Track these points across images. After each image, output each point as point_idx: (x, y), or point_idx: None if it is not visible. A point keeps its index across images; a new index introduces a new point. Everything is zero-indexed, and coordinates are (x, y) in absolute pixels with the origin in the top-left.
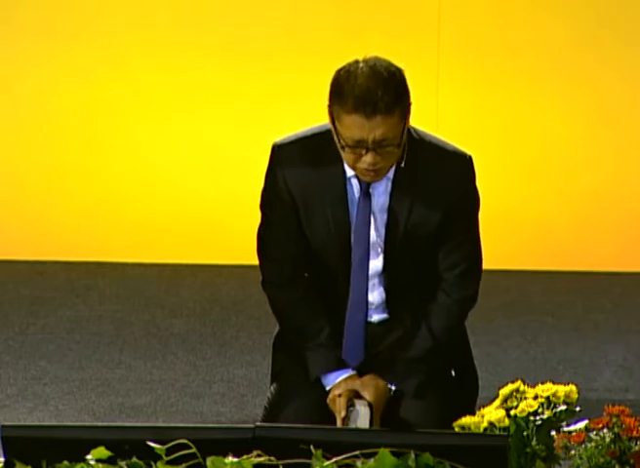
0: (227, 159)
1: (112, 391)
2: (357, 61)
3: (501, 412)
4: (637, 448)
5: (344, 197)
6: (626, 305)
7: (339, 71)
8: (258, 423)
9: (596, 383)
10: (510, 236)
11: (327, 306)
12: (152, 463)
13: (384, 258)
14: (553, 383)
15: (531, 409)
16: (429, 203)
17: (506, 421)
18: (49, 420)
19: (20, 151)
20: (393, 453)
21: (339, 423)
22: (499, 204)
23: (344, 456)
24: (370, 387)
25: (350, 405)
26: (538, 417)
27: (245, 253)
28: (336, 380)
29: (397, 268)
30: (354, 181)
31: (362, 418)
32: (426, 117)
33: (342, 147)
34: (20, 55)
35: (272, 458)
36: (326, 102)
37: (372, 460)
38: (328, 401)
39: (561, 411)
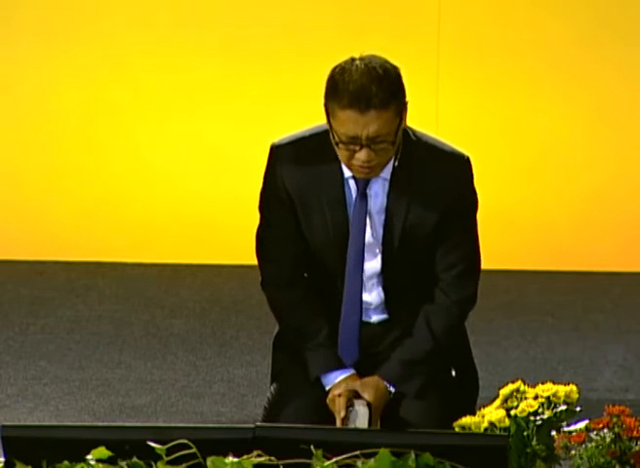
0: (227, 159)
1: (112, 391)
2: (353, 59)
3: (502, 412)
4: (637, 447)
5: (342, 198)
6: (626, 305)
7: (334, 69)
8: (258, 423)
9: (596, 383)
10: (510, 236)
11: (326, 306)
12: (152, 463)
13: (382, 259)
14: (553, 383)
15: (531, 409)
16: (427, 204)
17: (507, 421)
18: (49, 420)
19: (20, 151)
20: (393, 453)
21: (338, 423)
22: (499, 204)
23: (345, 456)
24: (369, 387)
25: (350, 405)
26: (538, 417)
27: (245, 253)
28: (335, 380)
29: (395, 269)
30: (351, 182)
31: (361, 418)
32: (426, 117)
33: (337, 144)
34: (20, 55)
35: (272, 458)
36: None
37: (372, 460)
38: (327, 401)
39: (561, 411)
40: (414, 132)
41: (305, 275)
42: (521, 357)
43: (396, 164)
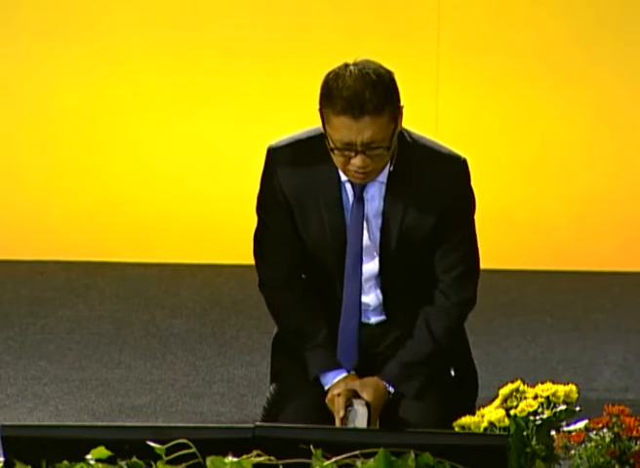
0: (227, 159)
1: (112, 391)
2: (346, 65)
3: (501, 412)
4: (637, 447)
5: (339, 201)
6: (626, 305)
7: (328, 74)
8: (257, 423)
9: (596, 383)
10: (510, 236)
11: (324, 307)
12: (152, 463)
13: (380, 261)
14: (553, 383)
15: (531, 409)
16: (424, 206)
17: (506, 421)
18: (49, 420)
19: (20, 151)
20: (393, 453)
21: (337, 423)
22: (499, 204)
23: (344, 456)
24: (369, 387)
25: (349, 404)
26: (537, 417)
27: (245, 252)
28: (334, 380)
29: (393, 271)
30: (348, 185)
31: (360, 418)
32: (426, 119)
33: (332, 150)
34: (20, 55)
35: (272, 458)
36: None
37: (372, 460)
38: (327, 400)
39: (561, 411)
40: (410, 134)
41: (303, 276)
42: (521, 357)
43: (392, 168)
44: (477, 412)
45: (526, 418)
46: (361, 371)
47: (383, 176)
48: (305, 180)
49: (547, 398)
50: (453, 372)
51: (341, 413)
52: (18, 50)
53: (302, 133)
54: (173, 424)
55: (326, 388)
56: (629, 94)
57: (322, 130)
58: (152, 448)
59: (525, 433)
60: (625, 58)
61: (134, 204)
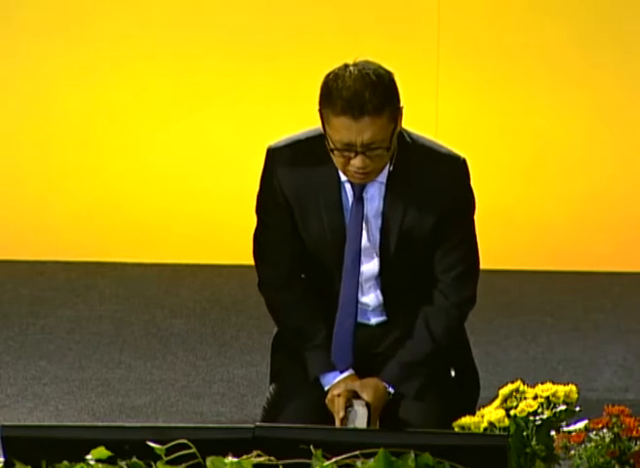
0: (227, 159)
1: (112, 391)
2: (346, 65)
3: (501, 412)
4: (637, 447)
5: (339, 201)
6: (626, 305)
7: (328, 75)
8: (257, 423)
9: (596, 383)
10: (510, 236)
11: (324, 307)
12: (152, 463)
13: (380, 262)
14: (553, 383)
15: (531, 409)
16: (423, 206)
17: (506, 421)
18: (49, 420)
19: (20, 151)
20: (393, 453)
21: (337, 423)
22: (499, 204)
23: (344, 456)
24: (369, 388)
25: (349, 405)
26: (537, 417)
27: (245, 253)
28: (334, 380)
29: (393, 271)
30: (348, 186)
31: (360, 419)
32: (426, 119)
33: (332, 150)
34: (20, 55)
35: (272, 458)
36: None
37: (372, 460)
38: (327, 401)
39: (561, 411)
40: (409, 134)
41: (303, 276)
42: (521, 357)
43: (391, 168)
44: (477, 413)
45: (526, 419)
46: (361, 372)
47: (383, 177)
48: (305, 181)
49: (547, 398)
50: (453, 373)
51: (341, 414)
52: (18, 50)
53: (302, 133)
54: (173, 424)
55: (326, 389)
56: (628, 94)
57: (322, 130)
58: (152, 448)
59: (525, 433)
60: (624, 59)
61: (134, 204)
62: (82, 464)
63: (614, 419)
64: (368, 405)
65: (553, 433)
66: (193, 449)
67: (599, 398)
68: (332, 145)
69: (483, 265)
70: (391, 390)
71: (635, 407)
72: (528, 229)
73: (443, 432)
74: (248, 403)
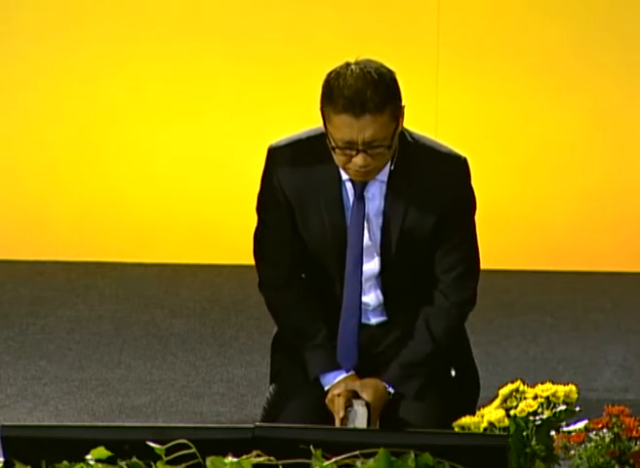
0: (227, 159)
1: (112, 391)
2: (348, 64)
3: (501, 412)
4: (637, 447)
5: (340, 200)
6: (626, 305)
7: (329, 73)
8: (257, 423)
9: (596, 383)
10: (510, 236)
11: (324, 307)
12: (152, 463)
13: (381, 261)
14: (553, 383)
15: (530, 409)
16: (424, 206)
17: (506, 421)
18: (49, 420)
19: (20, 151)
20: (393, 453)
21: (337, 423)
22: (499, 204)
23: (344, 456)
24: (369, 387)
25: (349, 405)
26: (537, 417)
27: (245, 253)
28: (334, 380)
29: (394, 271)
30: (349, 185)
31: (360, 419)
32: (425, 119)
33: (333, 149)
34: (20, 55)
35: (272, 458)
36: None
37: (371, 460)
38: (326, 401)
39: (561, 411)
40: (410, 133)
41: (303, 275)
42: (521, 357)
43: (392, 167)
44: (477, 413)
45: (526, 419)
46: (361, 372)
47: (384, 176)
48: (306, 180)
49: (547, 398)
50: (453, 373)
51: (341, 414)
52: (19, 50)
53: (303, 132)
54: (173, 424)
55: (326, 388)
56: (627, 94)
57: (322, 129)
58: (152, 448)
59: (525, 433)
60: (623, 59)
61: (134, 204)
62: (82, 464)
63: (614, 419)
64: (368, 405)
65: (553, 433)
66: (193, 450)
67: (599, 398)
68: (333, 144)
69: (483, 265)
70: (391, 390)
71: (635, 407)
72: (528, 229)
73: (443, 432)
74: (248, 403)
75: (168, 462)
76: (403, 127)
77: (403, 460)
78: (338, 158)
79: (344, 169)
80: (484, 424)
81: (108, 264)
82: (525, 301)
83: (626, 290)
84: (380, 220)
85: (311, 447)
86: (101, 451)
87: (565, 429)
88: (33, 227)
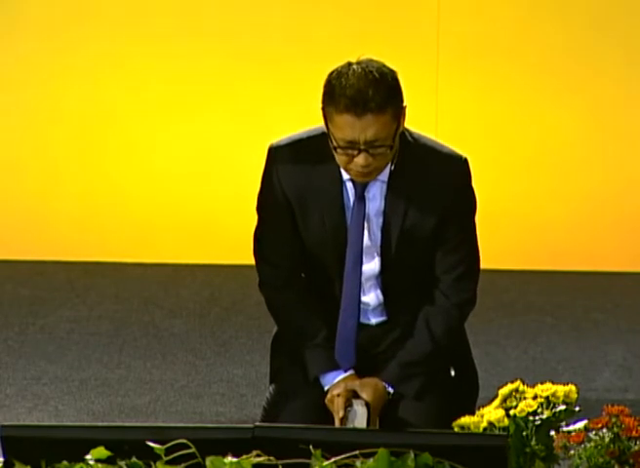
0: (227, 159)
1: (112, 391)
2: (350, 63)
3: (501, 412)
4: (636, 447)
5: (340, 200)
6: (626, 305)
7: (331, 73)
8: (257, 423)
9: (596, 383)
10: (510, 236)
11: (324, 307)
12: (152, 463)
13: (381, 261)
14: (553, 383)
15: (530, 409)
16: (425, 206)
17: (506, 421)
18: (48, 420)
19: (19, 151)
20: (392, 453)
21: (337, 423)
22: (499, 204)
23: (344, 456)
24: (368, 387)
25: (348, 405)
26: (537, 417)
27: (245, 253)
28: (334, 380)
29: (394, 271)
30: (349, 185)
31: (360, 418)
32: (425, 119)
33: (335, 148)
34: (20, 55)
35: (272, 458)
36: None
37: (371, 460)
38: (326, 401)
39: (560, 411)
40: (411, 133)
41: (303, 275)
42: (521, 357)
43: (393, 167)
44: (477, 413)
45: (525, 418)
46: (361, 372)
47: (385, 176)
48: (306, 180)
49: (547, 398)
50: (453, 373)
51: (341, 414)
52: (19, 50)
53: (303, 132)
54: (172, 424)
55: (325, 388)
56: (627, 94)
57: (323, 129)
58: (152, 448)
59: (524, 433)
60: (622, 60)
61: (133, 204)
62: (82, 464)
63: (613, 419)
64: (367, 404)
65: (553, 433)
66: (193, 449)
67: (599, 398)
68: (334, 143)
69: (483, 265)
70: (391, 390)
71: (635, 407)
72: (528, 229)
73: (443, 432)
74: (247, 403)
75: (167, 462)
76: (404, 127)
77: (403, 460)
78: (339, 158)
79: (346, 169)
80: (484, 424)
81: (108, 264)
82: (525, 301)
83: (626, 290)
84: (381, 220)
85: (311, 447)
86: (101, 451)
87: (565, 429)
88: (33, 227)
